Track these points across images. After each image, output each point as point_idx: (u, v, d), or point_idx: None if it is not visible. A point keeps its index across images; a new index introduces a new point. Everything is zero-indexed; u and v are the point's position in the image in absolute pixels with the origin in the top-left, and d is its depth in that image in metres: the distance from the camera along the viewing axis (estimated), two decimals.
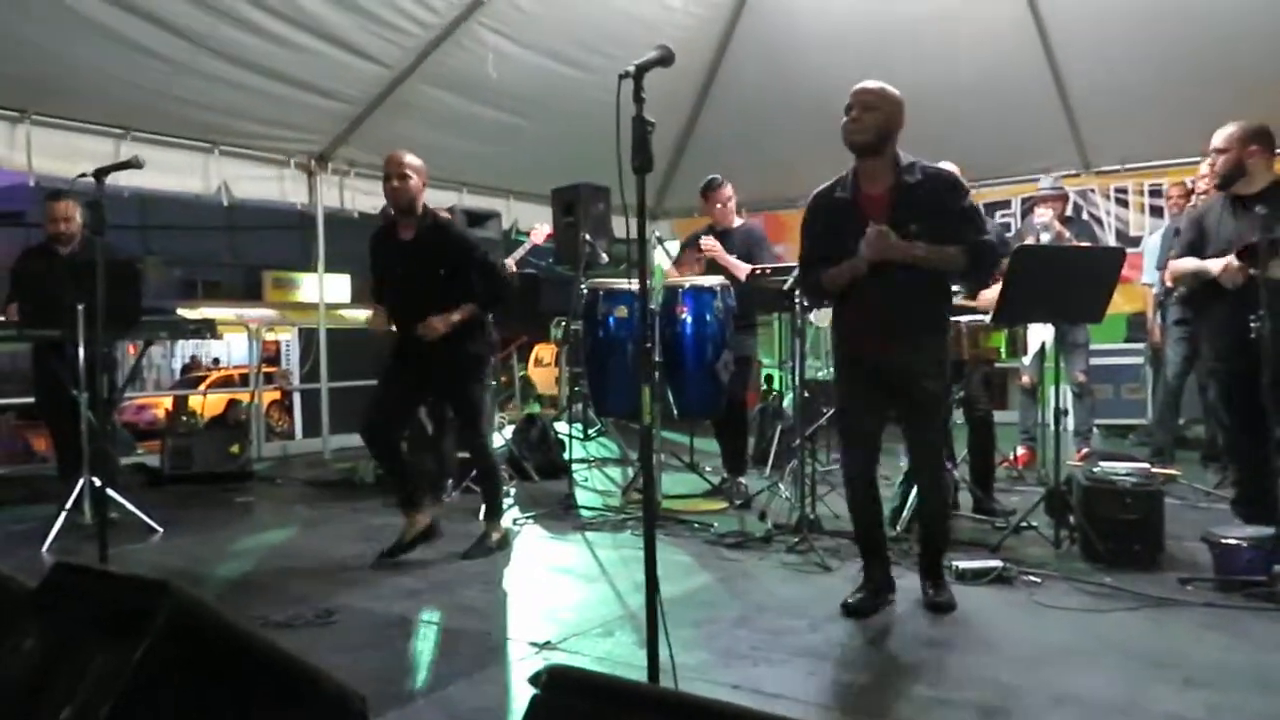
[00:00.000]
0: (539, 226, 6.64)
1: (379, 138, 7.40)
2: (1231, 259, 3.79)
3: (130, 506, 4.87)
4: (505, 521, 4.75)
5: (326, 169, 7.65)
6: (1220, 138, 4.04)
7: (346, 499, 5.93)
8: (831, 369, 3.79)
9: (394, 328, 4.39)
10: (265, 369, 10.69)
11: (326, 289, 7.92)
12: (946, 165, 4.97)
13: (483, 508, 4.66)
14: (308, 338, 8.44)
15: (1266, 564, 3.39)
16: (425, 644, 3.24)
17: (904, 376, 3.37)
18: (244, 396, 8.29)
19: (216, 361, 21.15)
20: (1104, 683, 2.75)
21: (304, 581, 3.96)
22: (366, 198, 7.80)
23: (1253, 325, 3.45)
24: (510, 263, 6.17)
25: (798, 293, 4.39)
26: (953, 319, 4.40)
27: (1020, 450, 6.32)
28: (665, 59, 2.39)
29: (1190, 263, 4.10)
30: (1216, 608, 3.36)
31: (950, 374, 4.52)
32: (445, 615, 3.54)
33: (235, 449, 6.69)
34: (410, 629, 3.37)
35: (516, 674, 2.93)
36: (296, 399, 8.44)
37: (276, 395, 10.32)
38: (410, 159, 4.31)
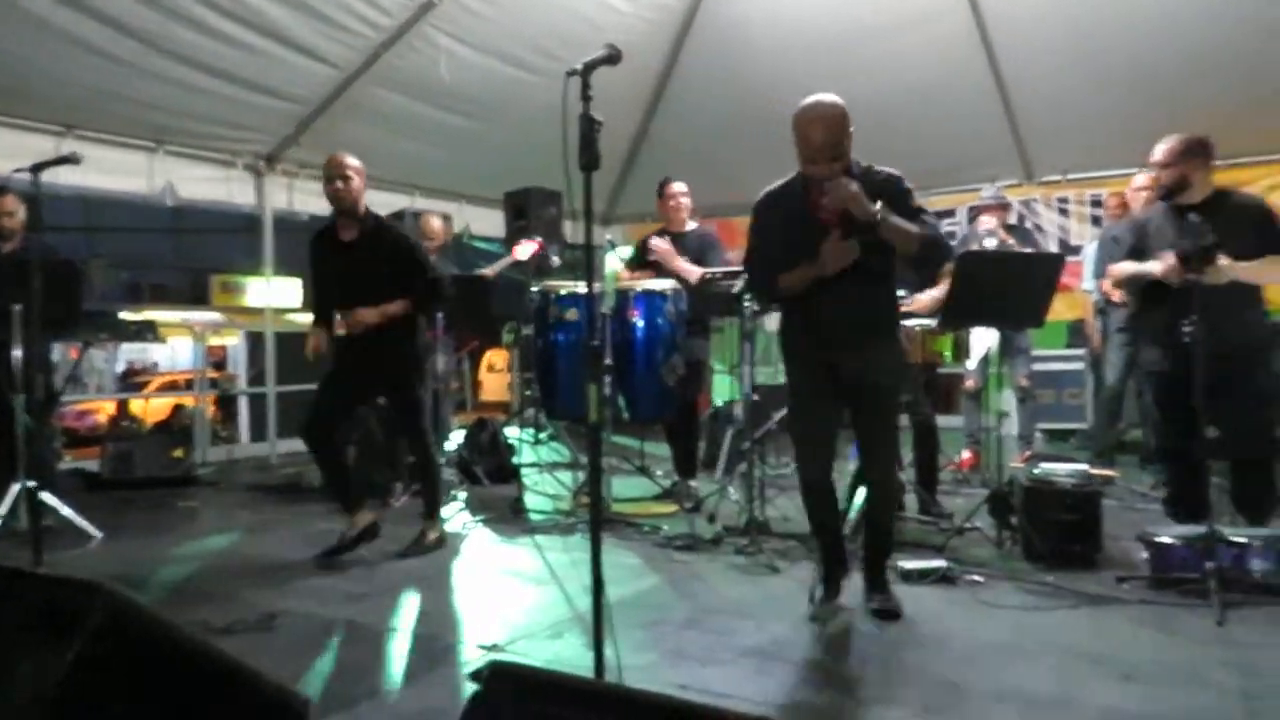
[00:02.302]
0: (525, 242, 6.41)
1: (329, 139, 7.31)
2: (1172, 256, 3.87)
3: (67, 511, 4.75)
4: (449, 524, 4.74)
5: (275, 170, 7.55)
6: (1163, 152, 4.08)
7: (292, 504, 5.85)
8: (783, 374, 3.77)
9: (339, 332, 4.39)
10: (211, 374, 10.49)
11: (276, 293, 7.80)
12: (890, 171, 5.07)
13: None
14: (255, 342, 8.30)
15: (1199, 562, 3.48)
16: (370, 648, 3.20)
17: (864, 377, 3.35)
18: (188, 401, 8.14)
19: (155, 366, 20.72)
20: (1044, 679, 2.81)
21: (246, 587, 3.90)
22: (316, 200, 7.65)
23: (1185, 330, 3.54)
24: (489, 273, 6.10)
25: (747, 297, 4.42)
26: (903, 322, 4.49)
27: (965, 453, 6.42)
28: (613, 57, 2.40)
29: (1129, 265, 4.19)
30: (1151, 605, 3.46)
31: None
32: (390, 619, 3.51)
33: (178, 453, 6.57)
34: (354, 633, 3.32)
35: (462, 676, 2.91)
36: (243, 403, 8.31)
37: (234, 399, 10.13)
38: (351, 160, 4.33)
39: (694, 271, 5.29)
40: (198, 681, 1.86)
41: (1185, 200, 4.05)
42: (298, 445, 7.49)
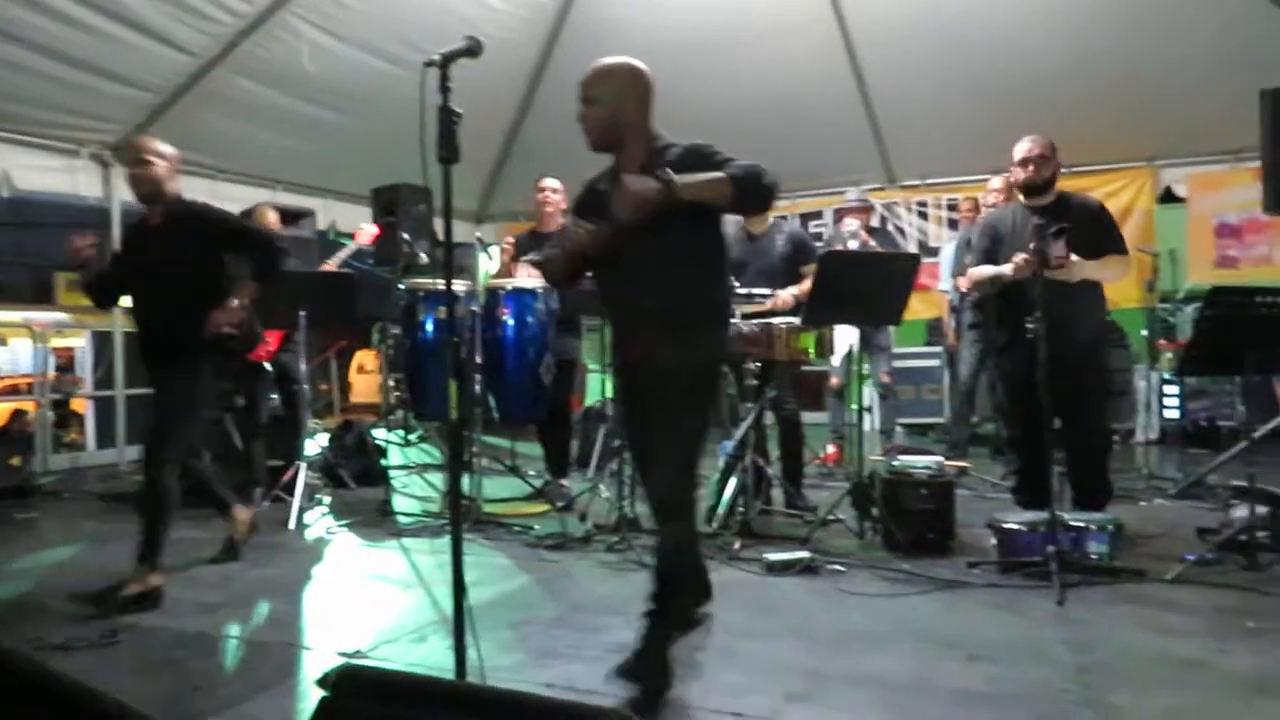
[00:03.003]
0: (365, 227, 6.33)
1: (184, 129, 6.97)
2: (1020, 255, 4.07)
3: None
4: (311, 529, 4.59)
5: (124, 161, 7.15)
6: (1041, 146, 4.23)
7: None
8: None
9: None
10: (53, 376, 9.85)
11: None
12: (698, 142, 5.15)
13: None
14: (102, 343, 7.86)
15: (1041, 546, 3.67)
16: (222, 660, 3.07)
17: (659, 377, 2.78)
18: (29, 405, 7.64)
19: None
20: (899, 663, 2.91)
21: (89, 601, 3.66)
22: None
23: (1028, 326, 3.74)
24: (332, 265, 5.93)
25: None
26: (769, 320, 4.59)
27: (830, 448, 6.62)
28: (472, 49, 2.37)
29: (986, 269, 4.39)
30: (999, 588, 3.63)
31: (761, 375, 4.72)
32: (246, 629, 3.37)
33: (16, 462, 6.15)
34: (205, 645, 3.17)
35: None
36: (89, 408, 7.83)
37: (69, 403, 9.55)
38: (157, 144, 4.03)
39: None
40: (23, 703, 1.74)
41: (1038, 202, 4.27)
42: None
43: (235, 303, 3.93)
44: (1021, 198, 4.39)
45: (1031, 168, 4.26)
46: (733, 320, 4.46)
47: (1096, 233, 4.21)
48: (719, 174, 2.67)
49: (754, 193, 2.73)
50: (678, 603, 2.84)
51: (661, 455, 2.79)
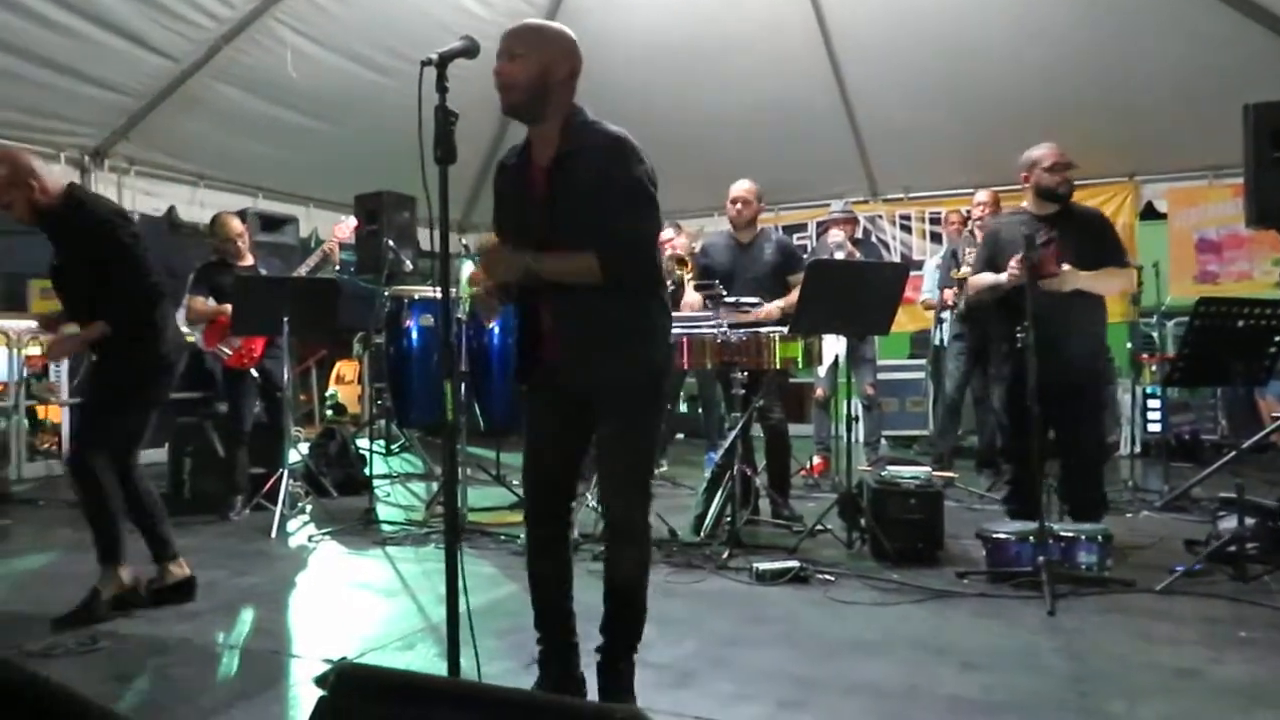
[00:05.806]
0: (344, 219, 6.10)
1: (163, 134, 6.95)
2: (1015, 261, 4.06)
3: None
4: (294, 536, 4.47)
5: (103, 166, 7.07)
6: (1062, 152, 4.26)
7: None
8: None
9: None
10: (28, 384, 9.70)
11: None
12: (745, 184, 5.16)
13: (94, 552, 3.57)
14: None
15: (1031, 556, 3.67)
16: (205, 667, 3.00)
17: (594, 400, 2.56)
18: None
19: None
20: (891, 671, 2.89)
21: (67, 608, 3.58)
22: (148, 198, 7.26)
23: (1018, 335, 3.74)
24: (302, 272, 5.84)
25: None
26: (758, 329, 4.56)
27: (816, 460, 6.60)
28: (470, 50, 2.35)
29: (986, 277, 4.38)
30: (989, 597, 3.62)
31: (748, 385, 4.69)
32: (230, 636, 3.31)
33: None
34: (187, 652, 3.11)
35: (306, 691, 2.76)
36: (65, 415, 7.71)
37: (42, 412, 9.41)
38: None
39: None
40: (6, 709, 1.69)
41: (1048, 209, 4.27)
42: None
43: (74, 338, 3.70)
44: (1026, 203, 4.38)
45: (1064, 172, 4.24)
46: (720, 329, 4.44)
47: (1098, 244, 4.20)
48: (588, 260, 2.39)
49: (626, 273, 2.45)
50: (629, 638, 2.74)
51: (623, 479, 2.68)
